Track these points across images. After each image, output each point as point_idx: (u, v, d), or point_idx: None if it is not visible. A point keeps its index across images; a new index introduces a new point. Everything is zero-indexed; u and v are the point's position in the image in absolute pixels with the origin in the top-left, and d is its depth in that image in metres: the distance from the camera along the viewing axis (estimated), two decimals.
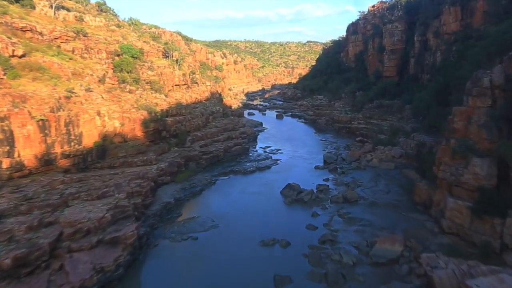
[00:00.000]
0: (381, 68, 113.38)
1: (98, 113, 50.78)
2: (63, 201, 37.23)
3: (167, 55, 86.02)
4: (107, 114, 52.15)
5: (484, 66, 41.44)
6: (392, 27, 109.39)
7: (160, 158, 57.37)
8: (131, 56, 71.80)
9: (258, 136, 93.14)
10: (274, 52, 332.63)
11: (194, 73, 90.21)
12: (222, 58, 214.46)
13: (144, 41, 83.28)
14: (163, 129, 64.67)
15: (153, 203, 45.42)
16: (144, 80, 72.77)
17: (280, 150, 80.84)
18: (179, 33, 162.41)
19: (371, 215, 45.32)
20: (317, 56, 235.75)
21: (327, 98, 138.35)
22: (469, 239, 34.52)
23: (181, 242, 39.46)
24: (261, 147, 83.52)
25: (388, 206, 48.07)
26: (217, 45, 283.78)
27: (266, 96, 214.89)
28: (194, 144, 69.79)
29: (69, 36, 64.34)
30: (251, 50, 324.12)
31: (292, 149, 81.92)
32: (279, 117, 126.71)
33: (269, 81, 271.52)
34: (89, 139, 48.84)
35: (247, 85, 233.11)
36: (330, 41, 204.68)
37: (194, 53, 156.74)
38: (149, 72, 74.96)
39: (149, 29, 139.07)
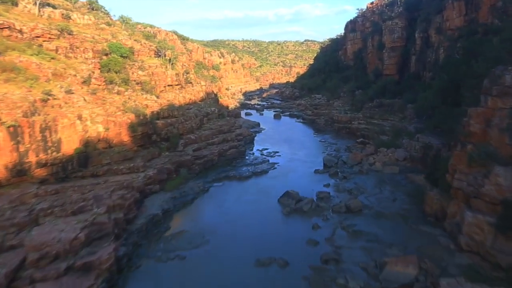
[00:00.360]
0: (381, 66, 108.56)
1: (80, 117, 45.84)
2: (32, 219, 32.41)
3: (160, 54, 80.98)
4: (90, 118, 47.21)
5: (504, 62, 36.63)
6: (392, 24, 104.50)
7: (148, 164, 52.47)
8: (120, 55, 66.78)
9: (255, 138, 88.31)
10: (272, 51, 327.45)
11: (188, 73, 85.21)
12: (220, 57, 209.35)
13: (135, 40, 78.21)
14: (153, 132, 59.78)
15: (137, 217, 40.58)
16: (134, 80, 67.78)
17: (277, 152, 76.02)
18: (175, 32, 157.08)
19: (378, 228, 40.57)
20: (315, 55, 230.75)
21: (326, 97, 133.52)
22: (492, 259, 29.78)
23: (167, 263, 34.62)
24: (258, 150, 78.70)
25: (395, 216, 43.32)
26: (215, 44, 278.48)
27: (264, 95, 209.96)
28: (187, 148, 64.92)
29: (52, 35, 59.25)
30: (249, 50, 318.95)
31: (290, 151, 77.13)
32: (277, 117, 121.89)
33: (267, 80, 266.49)
34: (69, 145, 43.93)
35: (245, 84, 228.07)
36: (328, 39, 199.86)
37: (191, 53, 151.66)
38: (140, 72, 69.98)
39: (144, 28, 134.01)
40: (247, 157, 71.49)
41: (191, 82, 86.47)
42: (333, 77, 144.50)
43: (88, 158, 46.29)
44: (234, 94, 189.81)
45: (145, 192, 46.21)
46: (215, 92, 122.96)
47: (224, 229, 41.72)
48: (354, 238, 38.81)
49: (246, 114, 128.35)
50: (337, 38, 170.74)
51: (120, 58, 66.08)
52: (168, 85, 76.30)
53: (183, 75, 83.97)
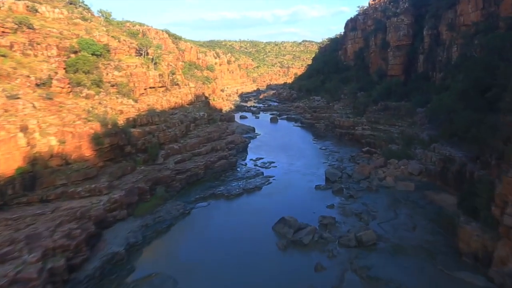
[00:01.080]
0: (385, 66, 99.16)
1: (24, 128, 36.15)
2: None
3: (141, 53, 71.31)
4: (39, 129, 37.56)
5: None
6: (397, 21, 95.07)
7: (117, 183, 42.81)
8: (91, 53, 57.17)
9: (249, 145, 78.74)
10: (269, 52, 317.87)
11: (174, 74, 75.46)
12: (215, 58, 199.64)
13: (113, 36, 68.52)
14: (126, 143, 50.13)
15: (90, 259, 30.89)
16: (109, 82, 58.16)
17: (273, 162, 66.47)
18: (167, 31, 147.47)
19: (399, 270, 31.04)
20: (313, 56, 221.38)
21: (325, 99, 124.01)
22: None
23: None
24: (251, 159, 69.16)
25: (418, 252, 33.86)
26: (211, 45, 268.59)
27: (261, 97, 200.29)
28: (169, 160, 55.32)
29: (7, 28, 49.65)
30: (246, 50, 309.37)
31: (287, 161, 67.63)
32: (273, 120, 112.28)
33: (264, 81, 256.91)
34: (8, 164, 34.25)
35: (241, 85, 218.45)
36: (326, 39, 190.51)
37: (183, 53, 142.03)
38: (116, 73, 60.37)
39: (133, 26, 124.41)
40: (238, 169, 61.92)
41: (178, 84, 76.79)
42: (333, 78, 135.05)
43: (36, 179, 36.62)
44: (229, 95, 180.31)
45: (106, 221, 36.56)
46: (208, 94, 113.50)
47: (203, 270, 32.13)
48: (370, 286, 29.32)
49: (241, 117, 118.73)
50: (336, 37, 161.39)
51: (92, 57, 56.43)
52: (150, 87, 66.71)
53: (168, 76, 74.32)
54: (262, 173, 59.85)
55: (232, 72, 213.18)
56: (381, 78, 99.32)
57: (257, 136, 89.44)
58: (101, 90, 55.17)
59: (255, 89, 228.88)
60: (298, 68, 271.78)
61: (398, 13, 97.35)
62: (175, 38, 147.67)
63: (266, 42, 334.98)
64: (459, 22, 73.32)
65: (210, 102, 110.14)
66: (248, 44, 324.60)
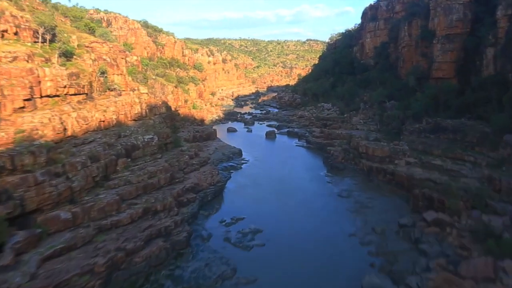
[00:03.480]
0: (426, 65, 67.85)
1: None
2: None
3: (45, 38, 40.41)
4: None
5: None
6: (447, 0, 63.59)
7: None
8: None
9: (227, 185, 48.09)
10: (271, 51, 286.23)
11: (104, 73, 44.28)
12: (208, 55, 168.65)
13: None
14: None
15: None
16: None
17: (260, 231, 35.65)
18: (145, 22, 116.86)
19: None
20: (319, 55, 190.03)
21: (338, 107, 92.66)
22: None
23: None
24: (222, 222, 38.15)
25: None
26: (210, 43, 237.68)
27: (260, 100, 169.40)
28: (29, 256, 24.65)
29: None
30: (246, 49, 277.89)
31: (286, 226, 36.78)
32: (270, 136, 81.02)
33: (264, 83, 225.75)
34: None
35: (238, 87, 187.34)
36: (336, 34, 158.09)
37: (163, 48, 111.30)
38: None
39: (97, 13, 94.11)
40: (189, 258, 30.96)
41: (114, 89, 45.87)
42: (346, 80, 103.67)
43: None
44: (222, 99, 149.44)
45: None
46: (192, 99, 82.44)
47: None
48: None
49: (229, 130, 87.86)
50: (350, 31, 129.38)
51: None
52: (45, 96, 36.09)
53: (95, 77, 43.45)
54: (235, 268, 29.02)
55: (228, 72, 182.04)
56: (421, 82, 67.93)
57: (243, 165, 58.46)
58: None
59: (254, 91, 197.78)
60: (302, 69, 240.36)
61: None
62: (155, 31, 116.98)
63: (268, 41, 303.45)
64: None
65: (188, 112, 79.48)
66: (249, 43, 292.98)
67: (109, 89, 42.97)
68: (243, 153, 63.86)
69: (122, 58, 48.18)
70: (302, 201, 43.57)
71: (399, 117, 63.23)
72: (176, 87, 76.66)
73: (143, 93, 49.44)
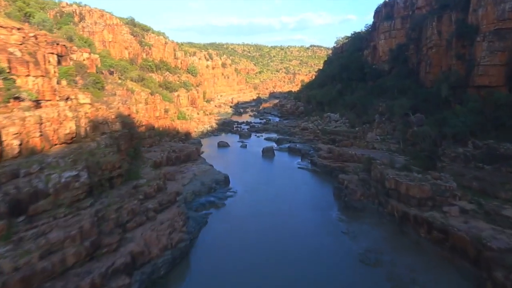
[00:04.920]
0: (464, 70, 52.00)
1: None
2: None
3: None
4: None
5: None
6: None
7: None
8: None
9: (200, 236, 32.45)
10: (274, 56, 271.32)
11: (0, 73, 28.88)
12: (207, 59, 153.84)
13: None
14: None
15: None
16: None
17: None
18: (131, 20, 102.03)
19: None
20: (324, 60, 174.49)
21: (348, 119, 76.98)
22: None
23: None
24: None
25: None
26: (212, 47, 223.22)
27: (261, 107, 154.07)
28: None
29: None
30: (249, 54, 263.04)
31: None
32: (267, 154, 65.22)
33: (266, 89, 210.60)
34: None
35: (238, 93, 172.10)
36: (344, 37, 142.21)
37: (150, 48, 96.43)
38: None
39: (69, 6, 79.47)
40: None
41: (20, 98, 30.32)
42: (356, 87, 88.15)
43: None
44: (219, 106, 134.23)
45: None
46: (179, 108, 66.63)
47: None
48: None
49: (220, 145, 72.30)
50: (359, 33, 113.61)
51: None
52: None
53: None
54: None
55: (228, 77, 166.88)
56: (455, 92, 52.05)
57: (228, 200, 42.61)
58: None
59: (255, 97, 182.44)
60: (305, 75, 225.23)
61: None
62: (142, 30, 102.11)
63: (271, 46, 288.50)
64: None
65: (169, 124, 64.30)
66: (252, 48, 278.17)
67: (14, 98, 27.64)
68: (230, 180, 48.15)
69: (52, 53, 32.92)
70: (307, 269, 27.75)
71: (431, 137, 47.27)
72: (152, 94, 61.21)
73: (84, 103, 33.98)
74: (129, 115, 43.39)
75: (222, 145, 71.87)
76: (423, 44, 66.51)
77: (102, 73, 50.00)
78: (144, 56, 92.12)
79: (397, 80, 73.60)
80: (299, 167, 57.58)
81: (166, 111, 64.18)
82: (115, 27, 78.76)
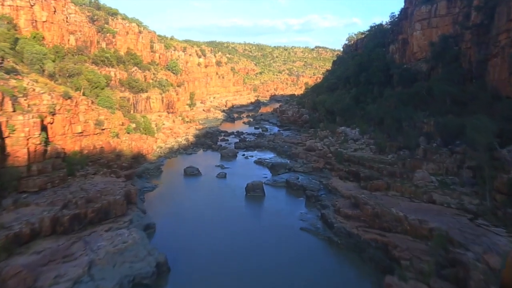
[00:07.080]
0: None
1: None
2: None
3: None
4: None
5: None
6: None
7: None
8: None
9: None
10: (277, 57, 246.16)
11: None
12: (199, 56, 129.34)
13: None
14: None
15: None
16: None
17: None
18: (96, 1, 77.64)
19: None
20: (328, 62, 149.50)
21: (373, 139, 52.19)
22: None
23: None
24: None
25: None
26: (212, 46, 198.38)
27: (259, 112, 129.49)
28: None
29: None
30: (250, 54, 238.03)
31: None
32: (253, 194, 40.66)
33: (267, 91, 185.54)
34: None
35: (234, 95, 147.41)
36: (358, 33, 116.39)
37: (114, 36, 72.06)
38: None
39: None
40: None
41: None
42: (379, 94, 63.49)
43: None
44: (208, 110, 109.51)
45: None
46: (96, 121, 41.82)
47: None
48: None
49: (187, 173, 47.62)
50: (380, 26, 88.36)
51: None
52: None
53: None
54: None
55: (223, 77, 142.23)
56: None
57: None
58: None
59: (254, 100, 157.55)
60: (309, 77, 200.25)
61: None
62: (108, 14, 77.59)
63: (274, 46, 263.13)
64: None
65: (104, 145, 39.87)
66: (254, 48, 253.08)
67: None
68: (171, 267, 23.75)
69: None
70: None
71: None
72: (68, 97, 36.72)
73: None
74: None
75: (191, 173, 47.31)
76: (495, 33, 41.81)
77: None
78: (104, 46, 67.85)
79: (444, 85, 48.78)
80: (301, 229, 32.79)
81: (98, 123, 39.65)
82: (50, 3, 54.36)
